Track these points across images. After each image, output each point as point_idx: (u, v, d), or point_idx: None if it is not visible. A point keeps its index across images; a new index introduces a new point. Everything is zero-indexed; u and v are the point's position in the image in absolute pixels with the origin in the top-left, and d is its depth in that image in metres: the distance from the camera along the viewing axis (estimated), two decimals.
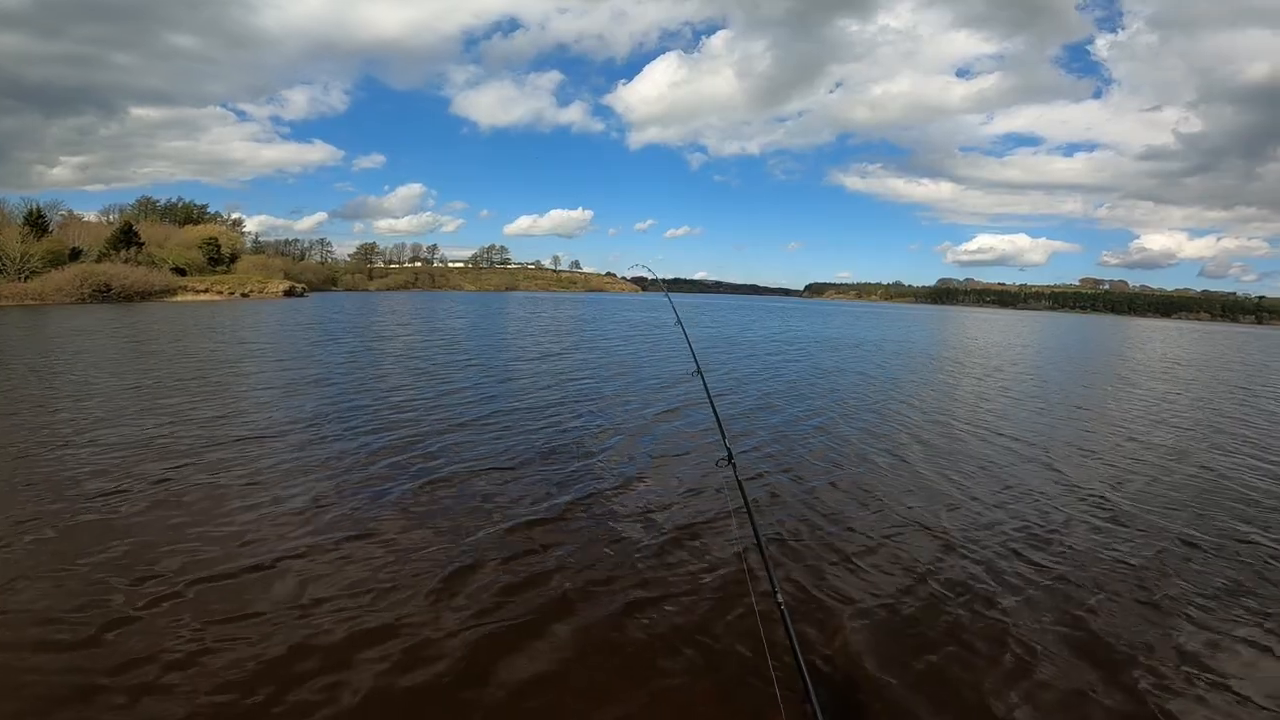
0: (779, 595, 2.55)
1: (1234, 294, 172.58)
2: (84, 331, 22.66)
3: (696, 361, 4.95)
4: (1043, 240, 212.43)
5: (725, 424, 4.24)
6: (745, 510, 3.19)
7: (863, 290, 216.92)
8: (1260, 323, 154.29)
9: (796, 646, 2.29)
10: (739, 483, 3.40)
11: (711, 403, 4.51)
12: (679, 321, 5.51)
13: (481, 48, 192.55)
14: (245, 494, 6.38)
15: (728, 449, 3.76)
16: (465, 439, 8.72)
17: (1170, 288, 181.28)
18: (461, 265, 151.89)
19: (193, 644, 3.95)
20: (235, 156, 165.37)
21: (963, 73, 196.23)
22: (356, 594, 4.57)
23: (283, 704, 3.49)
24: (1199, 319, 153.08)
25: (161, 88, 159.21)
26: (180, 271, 54.33)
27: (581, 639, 4.21)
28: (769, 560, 2.80)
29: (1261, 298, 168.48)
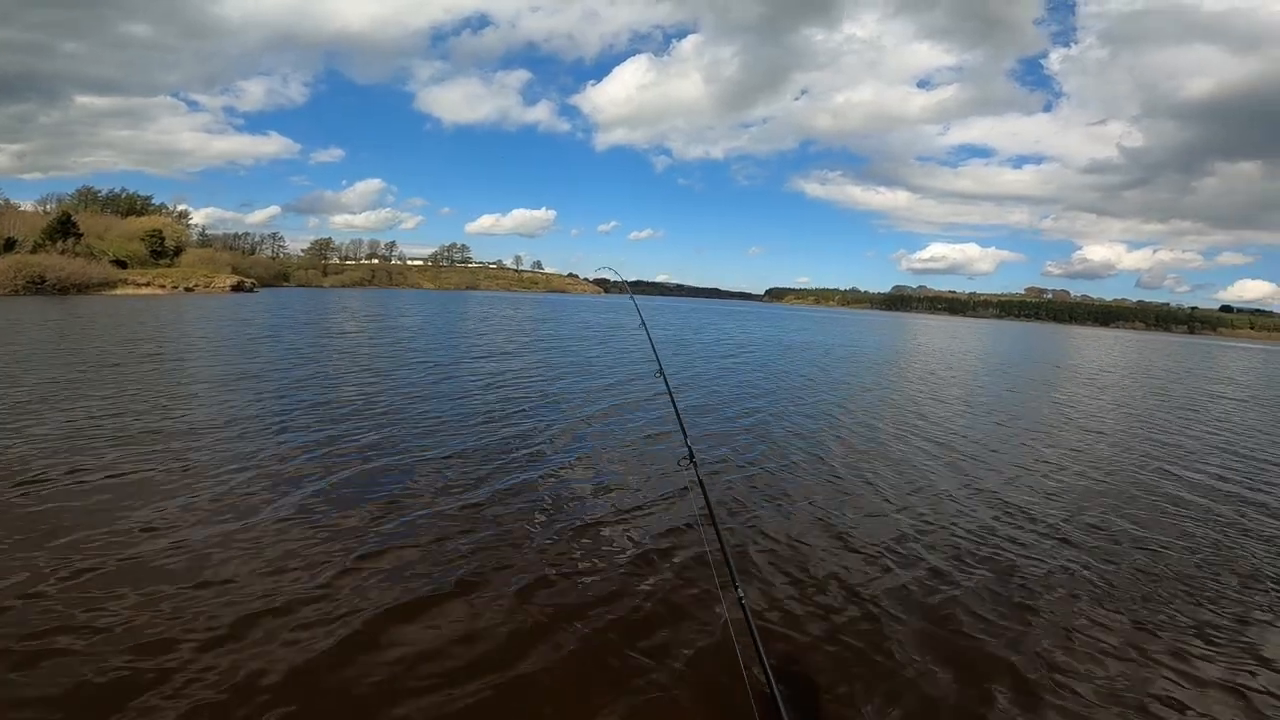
0: (740, 590, 2.63)
1: (1167, 304, 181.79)
2: (15, 323, 21.53)
3: (659, 362, 5.06)
4: (991, 250, 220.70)
5: (685, 423, 4.36)
6: (707, 508, 3.25)
7: (821, 295, 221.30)
8: (1192, 332, 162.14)
9: (758, 639, 2.36)
10: (700, 481, 3.43)
11: (673, 401, 4.60)
12: (643, 324, 5.60)
13: (450, 44, 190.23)
14: (166, 484, 6.25)
15: (689, 447, 3.86)
16: (408, 433, 8.63)
17: (1109, 297, 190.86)
18: (421, 263, 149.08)
19: (102, 616, 4.00)
20: (184, 147, 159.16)
21: (923, 83, 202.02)
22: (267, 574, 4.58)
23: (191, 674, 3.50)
24: (1135, 328, 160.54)
25: (111, 76, 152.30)
26: (121, 264, 52.08)
27: (529, 635, 4.20)
28: (730, 556, 2.84)
29: (1194, 309, 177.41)
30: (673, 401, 4.54)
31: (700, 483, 3.45)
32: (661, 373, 4.88)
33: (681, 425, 4.23)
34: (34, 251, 47.04)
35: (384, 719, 3.41)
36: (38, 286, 41.66)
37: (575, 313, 52.71)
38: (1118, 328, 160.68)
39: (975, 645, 4.38)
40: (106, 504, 5.74)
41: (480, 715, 3.52)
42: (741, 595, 2.61)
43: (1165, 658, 4.39)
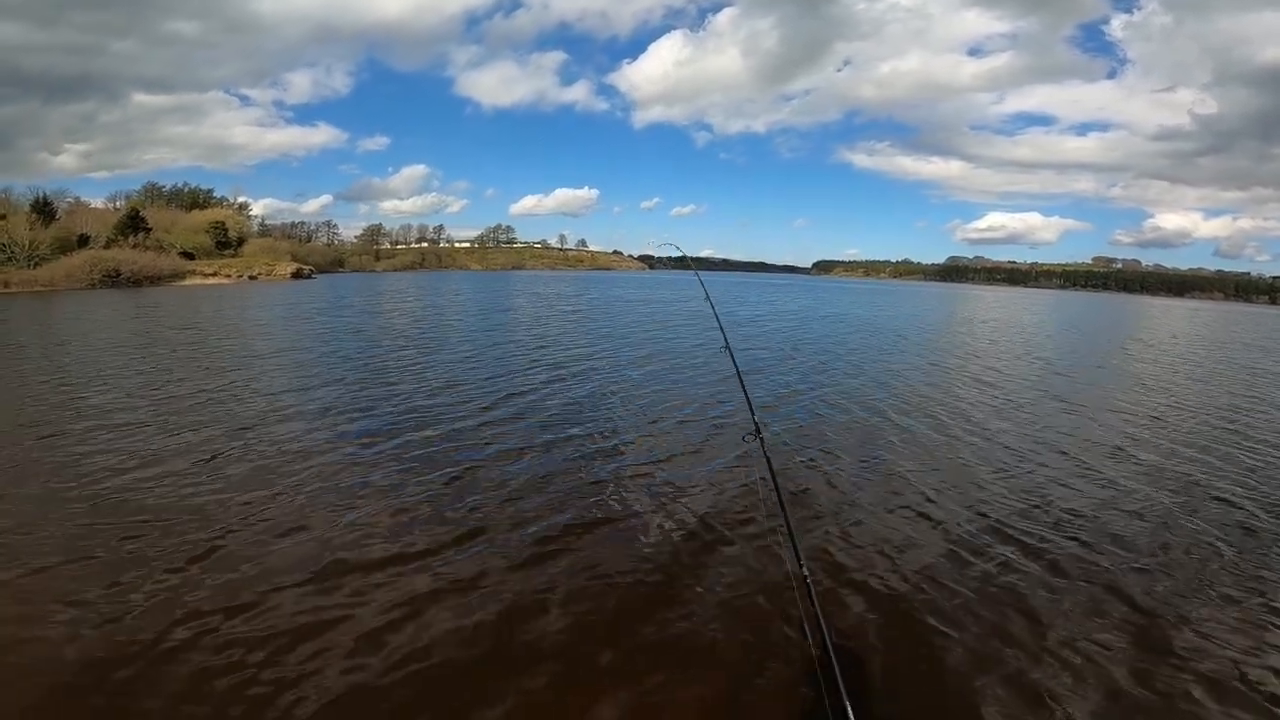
0: (805, 568, 2.53)
1: (1248, 274, 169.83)
2: (101, 318, 22.67)
3: (725, 338, 4.81)
4: (1055, 219, 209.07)
5: (751, 398, 4.15)
6: (773, 486, 3.10)
7: (871, 268, 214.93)
8: (1275, 303, 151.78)
9: (822, 620, 2.25)
10: (766, 456, 3.33)
11: (740, 378, 4.39)
12: (708, 298, 5.36)
13: (483, 27, 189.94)
14: (277, 467, 6.50)
15: (755, 424, 3.67)
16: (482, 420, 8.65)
17: (1184, 267, 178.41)
18: (467, 245, 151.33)
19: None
20: (238, 141, 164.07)
21: (974, 51, 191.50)
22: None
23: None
24: (1212, 298, 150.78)
25: (162, 74, 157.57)
26: (188, 255, 54.34)
27: (593, 616, 4.14)
28: (794, 534, 2.70)
29: (1276, 278, 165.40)
30: (739, 378, 4.34)
31: (766, 458, 3.33)
32: (728, 349, 4.64)
33: (748, 399, 4.07)
34: (106, 247, 49.39)
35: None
36: (113, 280, 43.83)
37: (623, 290, 52.56)
38: (1193, 298, 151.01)
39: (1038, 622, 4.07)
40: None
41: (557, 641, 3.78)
42: (806, 573, 2.51)
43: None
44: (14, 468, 6.43)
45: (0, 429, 7.79)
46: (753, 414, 3.76)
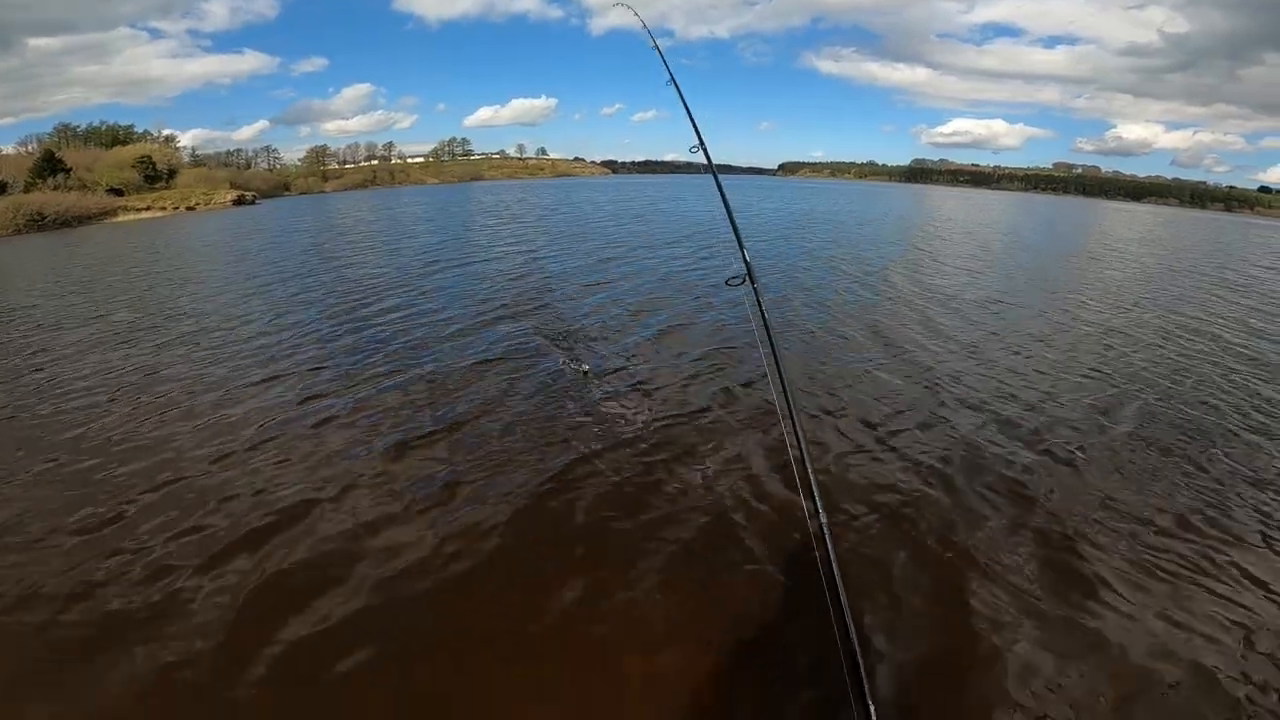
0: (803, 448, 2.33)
1: (1204, 183, 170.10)
2: (45, 262, 21.02)
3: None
4: (1019, 126, 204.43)
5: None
6: (770, 343, 2.79)
7: (836, 169, 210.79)
8: (1229, 210, 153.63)
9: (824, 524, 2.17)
10: (760, 306, 2.95)
11: (730, 215, 3.51)
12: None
13: None
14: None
15: (746, 263, 3.19)
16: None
17: (1142, 175, 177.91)
18: (422, 160, 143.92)
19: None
20: (155, 74, 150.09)
21: None
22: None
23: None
24: (1168, 204, 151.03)
25: (58, 16, 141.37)
26: (117, 192, 50.90)
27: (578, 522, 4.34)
28: (795, 414, 2.45)
29: (1231, 188, 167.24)
30: (729, 216, 3.57)
31: (760, 307, 2.99)
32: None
33: (738, 239, 3.33)
34: (26, 191, 46.15)
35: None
36: (39, 224, 41.08)
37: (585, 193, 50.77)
38: (1150, 203, 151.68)
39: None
40: None
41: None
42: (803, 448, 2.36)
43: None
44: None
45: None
46: (742, 251, 3.29)
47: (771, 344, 2.72)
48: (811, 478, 2.24)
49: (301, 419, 5.84)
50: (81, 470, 5.07)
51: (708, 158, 3.87)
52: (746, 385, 6.73)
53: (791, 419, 2.37)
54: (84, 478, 4.95)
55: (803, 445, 2.28)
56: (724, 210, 3.52)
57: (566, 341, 8.18)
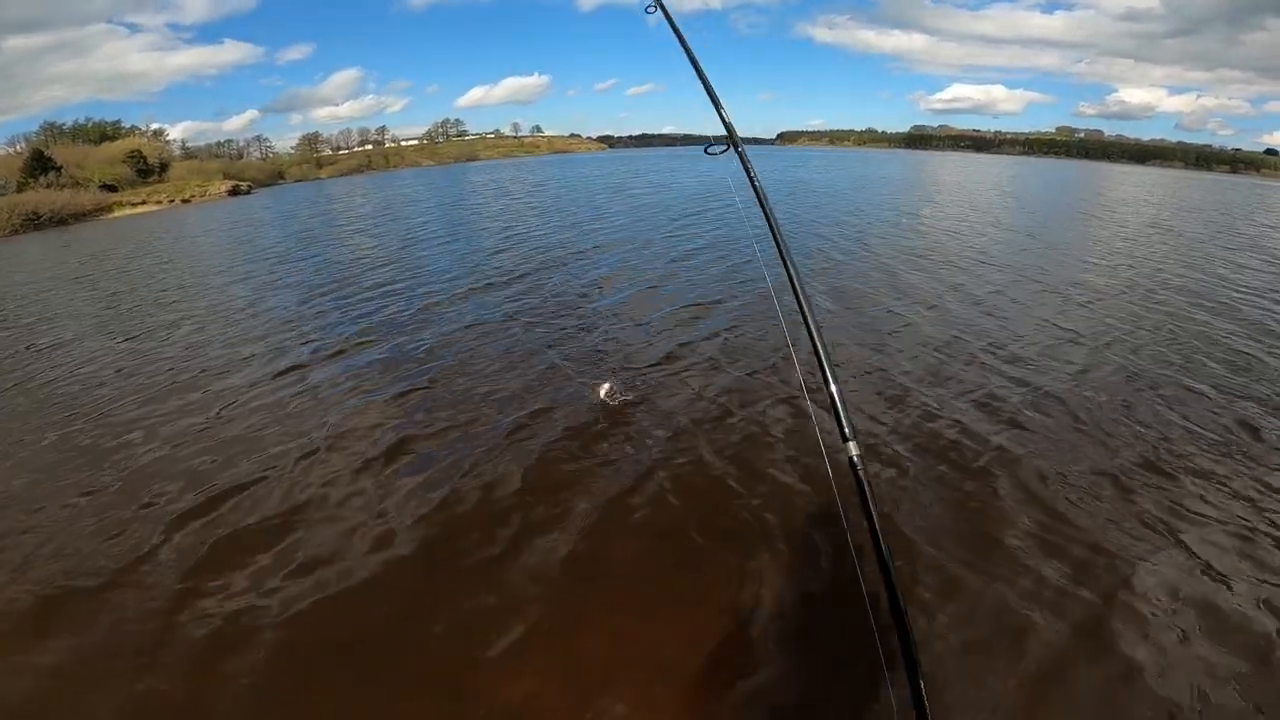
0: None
1: (1209, 146, 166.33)
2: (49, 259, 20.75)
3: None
4: (1019, 91, 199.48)
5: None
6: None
7: (835, 137, 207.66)
8: (1234, 172, 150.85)
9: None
10: (748, 171, 2.69)
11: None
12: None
13: None
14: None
15: (726, 124, 3.06)
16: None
17: (1146, 138, 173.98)
18: (416, 142, 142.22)
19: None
20: (136, 69, 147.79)
21: None
22: None
23: None
24: (1173, 167, 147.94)
25: (29, 15, 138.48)
26: (111, 188, 50.38)
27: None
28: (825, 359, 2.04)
29: (1236, 150, 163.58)
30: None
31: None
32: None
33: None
34: (19, 191, 45.73)
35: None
36: (35, 223, 40.71)
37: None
38: (1155, 165, 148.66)
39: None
40: None
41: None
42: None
43: None
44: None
45: None
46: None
47: (765, 211, 2.50)
48: (840, 407, 1.90)
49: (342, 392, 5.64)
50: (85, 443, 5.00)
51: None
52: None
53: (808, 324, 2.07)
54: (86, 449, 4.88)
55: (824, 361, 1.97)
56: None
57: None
